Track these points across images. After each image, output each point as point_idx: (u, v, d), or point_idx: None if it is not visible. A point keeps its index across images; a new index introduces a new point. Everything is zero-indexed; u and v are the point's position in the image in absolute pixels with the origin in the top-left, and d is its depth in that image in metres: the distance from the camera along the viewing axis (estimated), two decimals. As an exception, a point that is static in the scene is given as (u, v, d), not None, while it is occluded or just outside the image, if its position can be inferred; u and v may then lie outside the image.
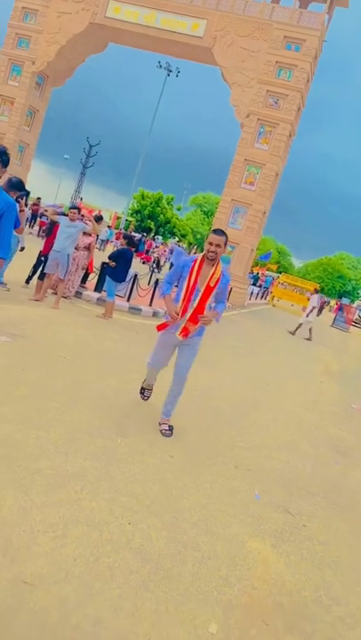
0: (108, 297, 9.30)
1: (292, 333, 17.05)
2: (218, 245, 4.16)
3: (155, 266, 25.06)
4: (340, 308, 34.77)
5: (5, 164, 3.60)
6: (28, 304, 8.20)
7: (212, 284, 4.23)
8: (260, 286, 36.28)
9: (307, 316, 17.11)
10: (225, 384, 7.27)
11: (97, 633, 2.08)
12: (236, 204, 23.56)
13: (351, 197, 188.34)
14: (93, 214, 11.90)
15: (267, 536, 3.28)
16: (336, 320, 32.64)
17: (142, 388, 5.03)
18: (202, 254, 4.29)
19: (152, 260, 28.50)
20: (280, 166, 23.57)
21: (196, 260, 4.28)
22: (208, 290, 4.25)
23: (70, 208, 9.05)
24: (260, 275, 41.01)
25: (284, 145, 22.96)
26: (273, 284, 39.15)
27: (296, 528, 3.52)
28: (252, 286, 30.98)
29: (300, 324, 17.16)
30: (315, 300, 17.53)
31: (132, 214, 56.39)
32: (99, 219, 11.17)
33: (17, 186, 5.91)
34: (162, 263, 29.19)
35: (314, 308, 17.15)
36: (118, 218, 45.79)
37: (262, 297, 33.90)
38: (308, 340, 16.78)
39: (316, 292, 19.13)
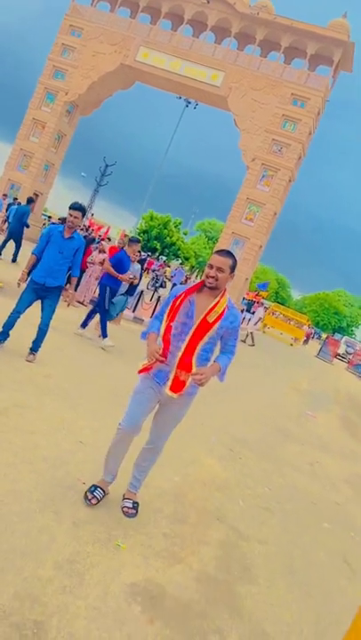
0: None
1: (243, 341, 19.65)
2: (219, 269, 3.06)
3: (157, 284, 26.86)
4: (325, 342, 37.02)
5: (84, 215, 5.82)
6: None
7: (210, 320, 3.07)
8: (253, 313, 38.57)
9: (255, 324, 21.26)
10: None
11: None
12: (235, 237, 26.06)
13: (358, 236, 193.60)
14: (126, 238, 13.38)
15: (214, 457, 5.39)
16: (321, 351, 34.84)
17: (93, 487, 3.46)
18: (199, 282, 3.21)
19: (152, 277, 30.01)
20: (278, 207, 26.15)
21: (187, 289, 3.19)
22: (203, 326, 3.08)
23: (130, 241, 8.69)
24: (254, 302, 43.35)
25: (283, 188, 25.57)
26: (266, 312, 41.50)
27: (234, 458, 5.63)
28: (247, 312, 33.24)
29: (249, 333, 20.16)
30: (260, 312, 22.55)
31: (139, 233, 59.05)
32: (135, 241, 9.03)
33: (135, 240, 8.39)
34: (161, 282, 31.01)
35: (260, 319, 21.90)
36: (126, 236, 48.33)
37: (255, 323, 36.07)
38: (251, 345, 19.71)
39: (262, 304, 23.22)
